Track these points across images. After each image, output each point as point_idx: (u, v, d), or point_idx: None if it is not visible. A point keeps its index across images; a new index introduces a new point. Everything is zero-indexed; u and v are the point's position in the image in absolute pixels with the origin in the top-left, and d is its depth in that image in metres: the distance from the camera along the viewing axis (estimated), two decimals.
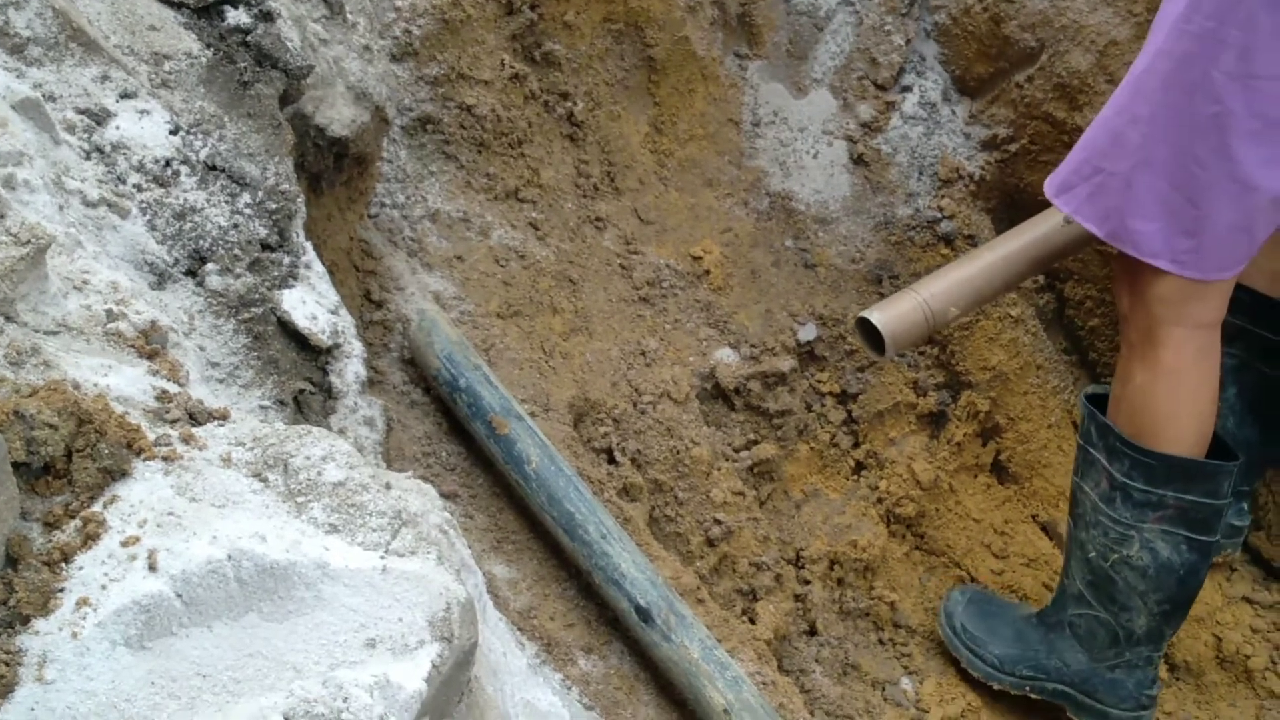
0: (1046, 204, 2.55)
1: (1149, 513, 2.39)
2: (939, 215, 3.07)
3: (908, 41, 3.12)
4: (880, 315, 2.50)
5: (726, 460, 2.76)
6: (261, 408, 1.69)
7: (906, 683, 2.77)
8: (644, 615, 2.16)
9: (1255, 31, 2.03)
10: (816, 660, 2.69)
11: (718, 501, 2.63)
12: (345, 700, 1.08)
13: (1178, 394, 2.32)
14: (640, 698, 2.22)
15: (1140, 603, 2.48)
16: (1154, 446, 2.34)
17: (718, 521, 2.63)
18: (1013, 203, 3.17)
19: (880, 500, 2.99)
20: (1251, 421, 2.82)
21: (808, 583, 2.77)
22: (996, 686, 2.72)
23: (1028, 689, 2.70)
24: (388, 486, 1.29)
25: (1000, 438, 3.11)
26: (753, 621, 2.56)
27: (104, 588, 1.09)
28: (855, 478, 3.04)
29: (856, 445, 3.05)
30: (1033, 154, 3.06)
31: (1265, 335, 2.73)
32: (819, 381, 3.01)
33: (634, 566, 2.19)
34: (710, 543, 2.63)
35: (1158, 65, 2.15)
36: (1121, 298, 2.37)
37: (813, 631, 2.73)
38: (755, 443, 2.86)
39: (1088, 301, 3.19)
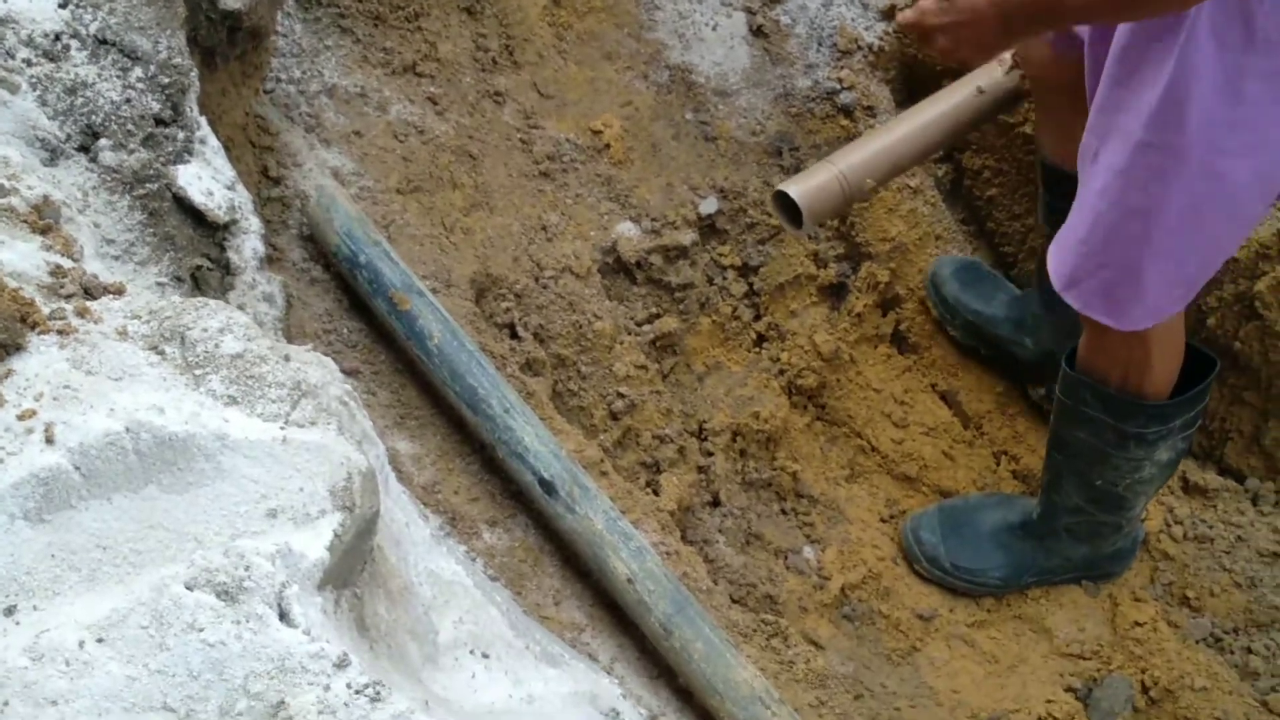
0: (946, 75, 2.56)
1: (1161, 441, 2.45)
2: (838, 86, 3.07)
3: None
4: (797, 188, 2.49)
5: (629, 334, 2.77)
6: (159, 284, 1.68)
7: (809, 551, 2.81)
8: (548, 488, 2.18)
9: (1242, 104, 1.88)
10: (720, 530, 2.73)
11: (620, 375, 2.65)
12: (247, 569, 1.09)
13: (1165, 351, 2.34)
14: (545, 569, 2.25)
15: (1145, 496, 2.61)
16: (1162, 396, 2.39)
17: (621, 395, 2.65)
18: (911, 74, 3.18)
19: (782, 372, 3.01)
20: None
21: (711, 454, 2.80)
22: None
23: (1033, 585, 2.81)
24: (286, 358, 1.29)
25: (900, 308, 3.14)
26: (656, 493, 2.59)
27: (0, 461, 1.09)
28: (757, 350, 3.06)
29: (758, 318, 3.06)
30: None
31: None
32: (720, 255, 3.01)
33: (537, 440, 2.21)
34: (614, 416, 2.65)
35: (1146, 159, 1.98)
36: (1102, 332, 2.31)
37: (716, 502, 2.77)
38: (657, 316, 2.87)
39: (985, 171, 3.22)
